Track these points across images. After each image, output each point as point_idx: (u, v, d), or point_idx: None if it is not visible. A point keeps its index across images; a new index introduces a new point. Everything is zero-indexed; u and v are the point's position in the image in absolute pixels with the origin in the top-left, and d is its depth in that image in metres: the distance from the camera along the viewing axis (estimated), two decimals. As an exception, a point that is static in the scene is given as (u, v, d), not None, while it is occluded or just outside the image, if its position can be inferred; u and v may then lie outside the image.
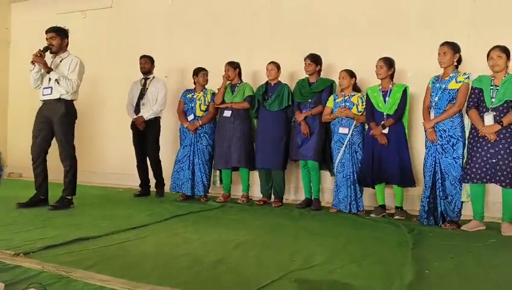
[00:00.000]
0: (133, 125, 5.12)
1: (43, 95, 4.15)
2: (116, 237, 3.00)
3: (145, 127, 5.02)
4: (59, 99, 4.11)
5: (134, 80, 5.29)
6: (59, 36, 4.17)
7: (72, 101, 4.21)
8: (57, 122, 4.09)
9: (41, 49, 4.07)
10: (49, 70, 4.08)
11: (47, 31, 4.17)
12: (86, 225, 3.39)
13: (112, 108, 6.32)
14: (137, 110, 5.08)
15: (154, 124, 5.08)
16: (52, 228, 3.26)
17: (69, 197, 4.19)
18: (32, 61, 4.02)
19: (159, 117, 5.14)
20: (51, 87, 4.10)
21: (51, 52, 4.17)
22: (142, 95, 5.11)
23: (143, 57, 5.19)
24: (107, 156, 6.35)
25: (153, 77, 5.20)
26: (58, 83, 4.06)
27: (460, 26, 4.31)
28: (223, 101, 4.82)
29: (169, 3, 5.97)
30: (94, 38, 6.45)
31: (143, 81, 5.19)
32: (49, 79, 4.11)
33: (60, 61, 4.19)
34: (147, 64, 5.16)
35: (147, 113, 5.02)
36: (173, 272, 2.26)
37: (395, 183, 4.05)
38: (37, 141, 4.15)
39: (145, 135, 5.07)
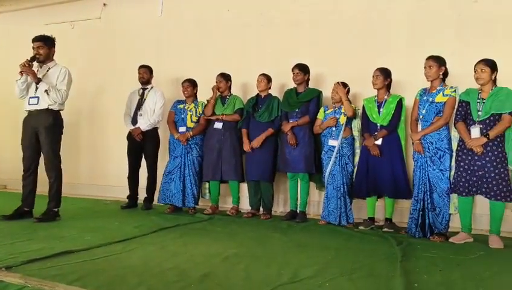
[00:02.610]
0: (130, 136, 5.06)
1: (29, 104, 4.08)
2: (101, 250, 2.95)
3: (142, 138, 4.97)
4: (47, 110, 4.04)
5: (131, 90, 5.23)
6: (46, 45, 4.11)
7: (59, 111, 4.15)
8: (44, 132, 4.02)
9: (29, 58, 4.00)
10: (38, 80, 4.02)
11: (34, 40, 4.11)
12: (71, 238, 3.33)
13: (99, 119, 6.27)
14: (134, 120, 5.03)
15: (152, 135, 5.03)
16: (36, 241, 3.19)
17: (55, 209, 4.11)
18: (20, 72, 3.96)
19: (157, 128, 5.09)
20: (38, 97, 4.04)
21: (37, 62, 4.10)
22: (139, 106, 5.06)
23: (142, 67, 5.14)
24: (103, 169, 6.23)
25: (151, 88, 5.16)
26: (47, 93, 3.99)
27: (447, 40, 4.38)
28: (213, 113, 4.82)
29: (158, 15, 5.97)
30: (82, 49, 6.41)
31: (141, 91, 5.14)
32: (36, 88, 4.04)
33: (47, 71, 4.13)
34: (146, 74, 5.11)
35: (144, 125, 4.97)
36: (160, 287, 2.21)
37: (388, 195, 4.02)
38: (28, 152, 4.08)
39: (142, 147, 5.02)
